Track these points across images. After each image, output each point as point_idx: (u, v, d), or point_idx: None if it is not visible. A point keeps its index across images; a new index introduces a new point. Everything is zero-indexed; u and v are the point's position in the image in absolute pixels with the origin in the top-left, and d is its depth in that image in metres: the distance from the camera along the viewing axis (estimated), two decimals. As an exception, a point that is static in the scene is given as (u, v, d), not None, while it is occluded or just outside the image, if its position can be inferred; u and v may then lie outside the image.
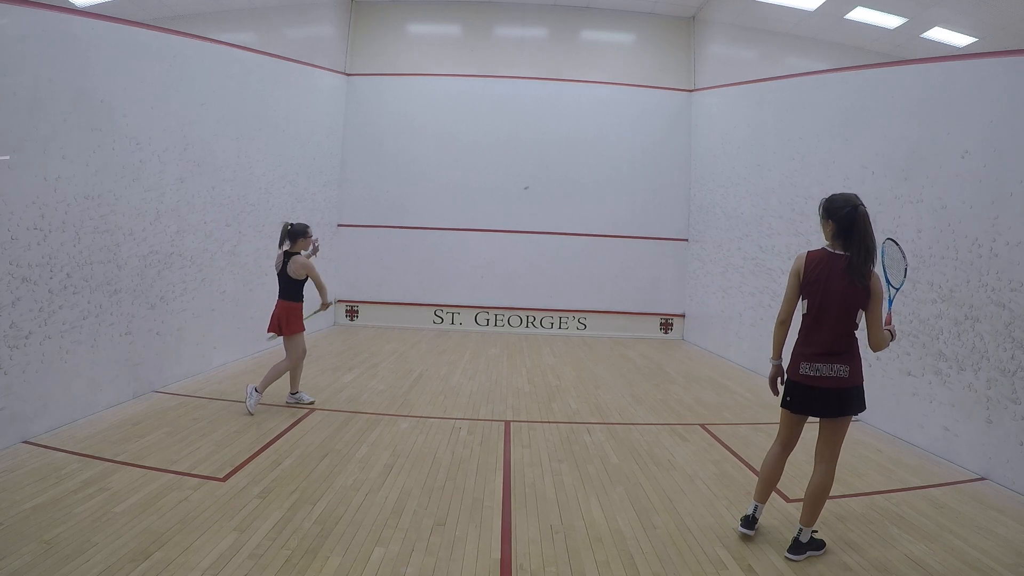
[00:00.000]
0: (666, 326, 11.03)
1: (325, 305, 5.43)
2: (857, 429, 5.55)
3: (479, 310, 10.95)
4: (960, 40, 8.50)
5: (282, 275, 5.31)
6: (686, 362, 8.82)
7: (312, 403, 5.57)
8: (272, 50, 8.35)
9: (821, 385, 2.99)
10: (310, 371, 6.99)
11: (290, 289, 5.31)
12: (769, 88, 8.30)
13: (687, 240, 10.94)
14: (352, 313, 10.93)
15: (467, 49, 11.28)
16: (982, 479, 4.34)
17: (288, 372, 5.46)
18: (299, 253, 5.36)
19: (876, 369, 5.65)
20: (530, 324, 11.02)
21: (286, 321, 5.28)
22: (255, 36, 9.20)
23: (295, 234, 5.34)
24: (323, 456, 4.29)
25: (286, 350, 5.38)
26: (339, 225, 10.83)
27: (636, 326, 10.99)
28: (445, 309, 10.94)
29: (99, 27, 5.04)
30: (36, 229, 4.35)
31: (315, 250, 5.65)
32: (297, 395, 5.61)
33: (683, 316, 10.98)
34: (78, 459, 3.96)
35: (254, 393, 5.19)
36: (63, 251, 4.60)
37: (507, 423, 5.35)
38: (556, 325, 11.01)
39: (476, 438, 4.89)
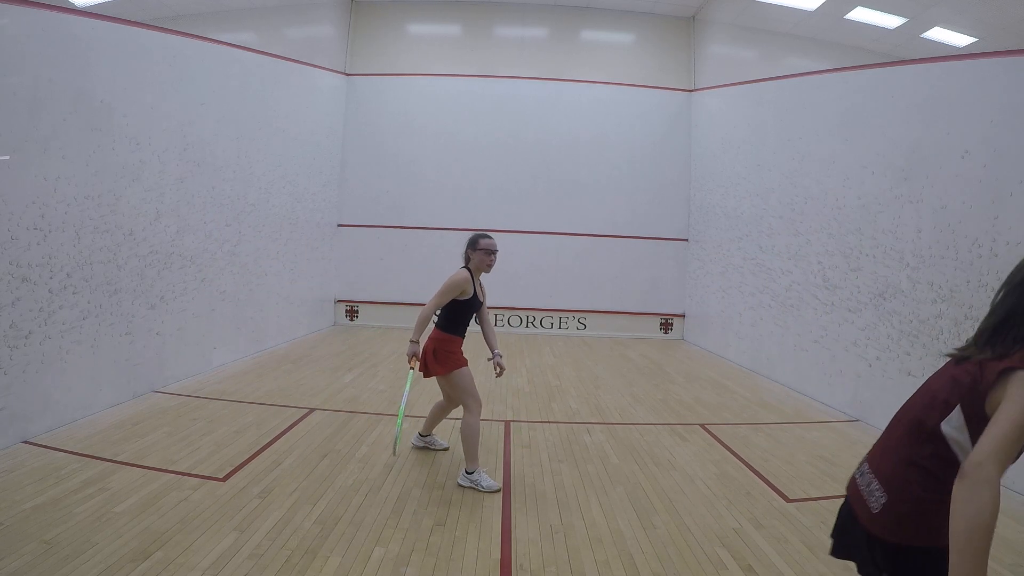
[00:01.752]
0: (666, 326, 11.03)
1: (412, 358, 3.89)
2: (857, 429, 5.55)
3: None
4: (960, 40, 8.50)
5: None
6: (686, 362, 8.82)
7: (446, 448, 4.56)
8: (272, 50, 8.35)
9: (850, 501, 1.82)
10: (309, 371, 6.99)
11: (443, 314, 4.00)
12: (769, 88, 8.30)
13: (687, 240, 10.94)
14: (352, 313, 10.93)
15: (467, 49, 11.28)
16: (982, 479, 4.33)
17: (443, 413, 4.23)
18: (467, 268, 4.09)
19: (876, 369, 5.66)
20: (530, 324, 11.02)
21: (432, 357, 3.93)
22: (255, 36, 9.20)
23: (467, 244, 4.09)
24: (323, 456, 4.29)
25: (452, 396, 4.08)
26: (339, 225, 10.83)
27: (636, 326, 10.99)
28: (445, 309, 10.92)
29: (99, 27, 5.04)
30: (36, 229, 4.35)
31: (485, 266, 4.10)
32: (429, 438, 4.56)
33: (683, 316, 10.98)
34: (78, 459, 3.95)
35: (466, 476, 3.88)
36: (63, 251, 4.60)
37: (507, 423, 5.34)
38: (556, 325, 11.01)
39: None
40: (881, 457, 1.75)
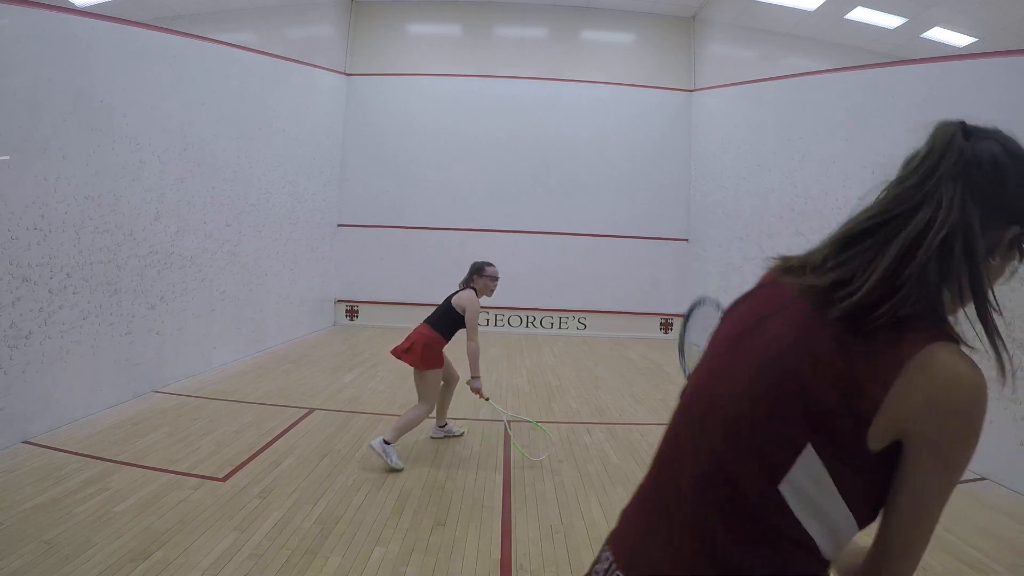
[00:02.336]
0: (666, 326, 11.03)
1: (475, 388, 4.40)
2: (857, 429, 5.55)
3: (479, 310, 10.94)
4: (960, 40, 8.51)
5: (447, 300, 4.49)
6: (686, 362, 8.81)
7: (461, 434, 4.85)
8: (272, 50, 8.35)
9: None
10: (309, 371, 6.99)
11: (444, 319, 4.39)
12: (769, 88, 8.30)
13: (687, 240, 10.94)
14: (352, 313, 10.93)
15: (467, 49, 11.28)
16: (982, 479, 4.34)
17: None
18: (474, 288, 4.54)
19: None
20: (530, 324, 11.02)
21: (421, 351, 4.24)
22: (255, 36, 9.20)
23: (472, 269, 4.56)
24: (323, 456, 4.29)
25: (417, 388, 4.34)
26: (339, 225, 10.83)
27: (636, 326, 10.99)
28: (445, 309, 10.92)
29: (99, 27, 5.04)
30: (36, 229, 4.35)
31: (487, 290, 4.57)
32: (446, 427, 4.86)
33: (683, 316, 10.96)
34: (78, 459, 3.95)
35: (383, 444, 4.11)
36: (63, 251, 4.60)
37: (507, 423, 5.34)
38: (556, 325, 11.01)
39: (476, 438, 4.89)
40: (646, 549, 0.91)
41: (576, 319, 11.03)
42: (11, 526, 3.01)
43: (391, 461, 4.08)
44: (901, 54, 8.73)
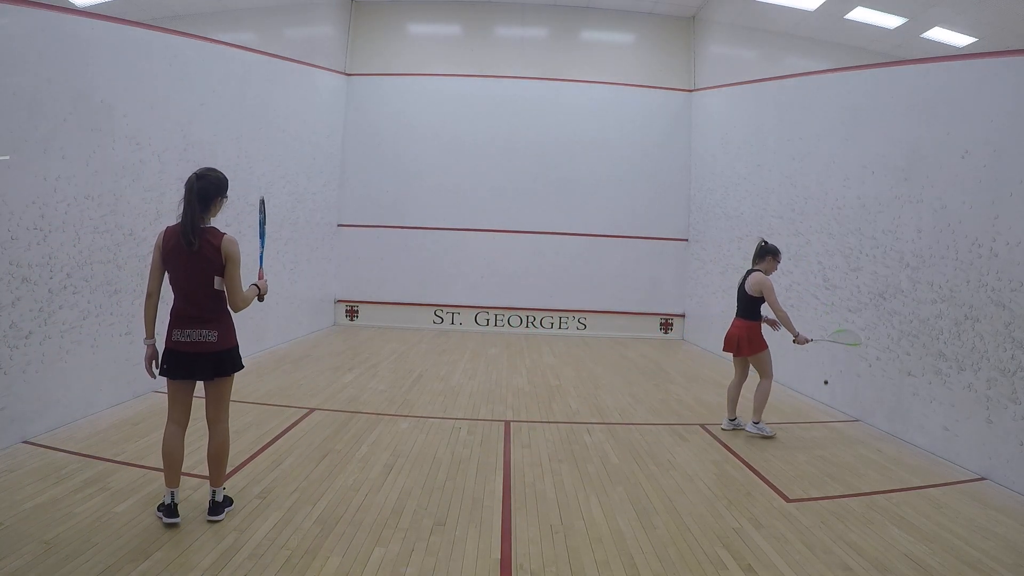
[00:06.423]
0: (666, 326, 11.03)
1: (793, 335, 4.99)
2: (857, 429, 5.56)
3: (479, 310, 10.95)
4: (960, 40, 8.49)
5: (740, 291, 5.19)
6: (686, 362, 8.82)
7: (773, 436, 5.13)
8: (272, 50, 8.35)
9: (193, 354, 3.27)
10: (310, 371, 6.99)
11: (747, 307, 5.13)
12: (769, 88, 8.30)
13: (687, 240, 10.94)
14: (352, 313, 10.93)
15: (467, 49, 11.28)
16: (982, 479, 4.34)
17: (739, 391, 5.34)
18: (759, 270, 5.16)
19: (876, 369, 5.66)
20: (530, 324, 11.02)
21: (747, 341, 5.08)
22: (255, 36, 9.19)
23: (763, 252, 5.19)
24: (323, 456, 4.29)
25: (757, 369, 5.16)
26: (339, 225, 10.83)
27: (636, 326, 10.99)
28: (445, 309, 10.94)
29: (99, 27, 5.04)
30: (36, 229, 4.35)
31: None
32: (736, 420, 5.36)
33: (683, 316, 10.98)
34: (78, 459, 3.95)
35: (754, 427, 5.12)
36: (63, 251, 4.60)
37: (507, 423, 5.34)
38: (556, 325, 11.02)
39: (476, 438, 4.89)
40: (191, 308, 3.32)
41: (576, 319, 11.04)
42: (11, 526, 3.01)
43: (766, 432, 5.05)
44: (901, 54, 8.72)
